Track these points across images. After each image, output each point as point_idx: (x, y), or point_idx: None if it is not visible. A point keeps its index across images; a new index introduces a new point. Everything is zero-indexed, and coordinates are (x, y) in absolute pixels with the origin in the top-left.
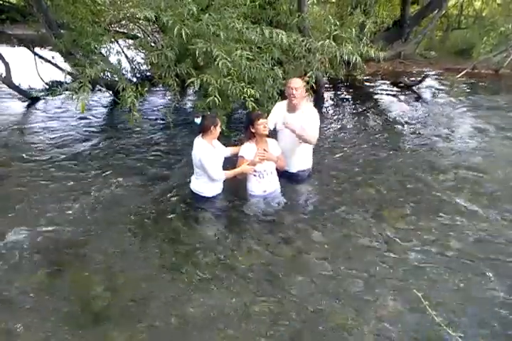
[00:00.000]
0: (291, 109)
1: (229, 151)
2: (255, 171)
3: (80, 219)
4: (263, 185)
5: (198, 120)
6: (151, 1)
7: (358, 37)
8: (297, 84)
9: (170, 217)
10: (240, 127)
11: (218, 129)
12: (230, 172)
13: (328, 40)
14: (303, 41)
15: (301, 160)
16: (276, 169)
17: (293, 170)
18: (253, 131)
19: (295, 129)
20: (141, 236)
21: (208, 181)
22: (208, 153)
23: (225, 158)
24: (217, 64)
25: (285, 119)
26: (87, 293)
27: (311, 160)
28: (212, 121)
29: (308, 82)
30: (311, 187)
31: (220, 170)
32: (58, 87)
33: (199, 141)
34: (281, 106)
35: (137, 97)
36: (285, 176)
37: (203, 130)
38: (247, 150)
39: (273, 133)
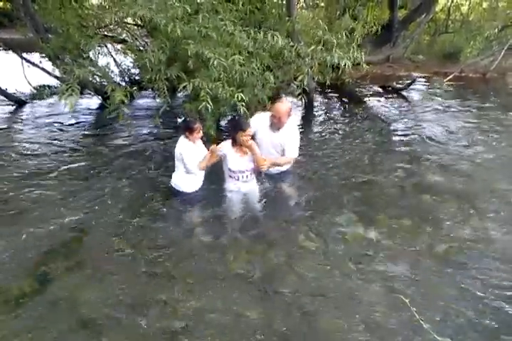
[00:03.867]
0: (275, 127)
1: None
2: (231, 172)
3: (62, 222)
4: (237, 186)
5: (180, 120)
6: (142, 3)
7: (346, 41)
8: (283, 113)
9: (150, 216)
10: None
11: (198, 131)
12: (203, 162)
13: (318, 45)
14: (293, 46)
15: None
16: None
17: (274, 171)
18: (236, 138)
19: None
20: (126, 236)
21: (186, 176)
22: (188, 149)
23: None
24: (212, 65)
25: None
26: (76, 297)
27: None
28: (191, 123)
29: (298, 86)
30: (298, 189)
31: (196, 163)
32: (45, 90)
33: (182, 139)
34: (263, 120)
35: (127, 96)
36: (268, 176)
37: (185, 130)
38: (223, 148)
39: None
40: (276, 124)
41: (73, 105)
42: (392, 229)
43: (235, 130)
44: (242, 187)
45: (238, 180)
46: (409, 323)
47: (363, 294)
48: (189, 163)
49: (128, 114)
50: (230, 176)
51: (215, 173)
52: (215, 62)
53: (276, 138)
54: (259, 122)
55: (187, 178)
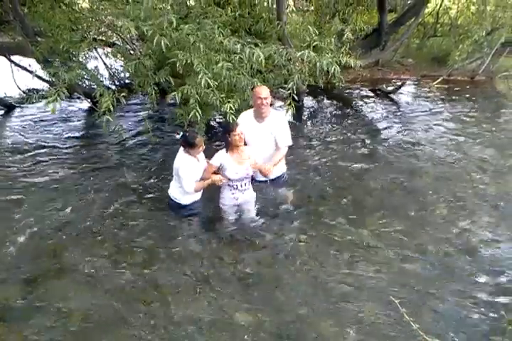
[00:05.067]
0: (260, 117)
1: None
2: (230, 181)
3: (57, 228)
4: (235, 196)
5: (178, 136)
6: (131, 10)
7: (336, 45)
8: (266, 94)
9: (144, 225)
10: (218, 134)
11: (200, 145)
12: (200, 184)
13: (307, 50)
14: (282, 51)
15: (278, 166)
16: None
17: (271, 176)
18: (229, 140)
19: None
20: (117, 243)
21: (183, 190)
22: (187, 166)
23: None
24: (200, 78)
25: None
26: (68, 302)
27: (284, 164)
28: (192, 137)
29: (288, 90)
30: (289, 193)
31: (193, 183)
32: (35, 94)
33: (182, 153)
34: (247, 115)
35: (113, 103)
36: (264, 184)
37: (185, 146)
38: (217, 157)
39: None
40: (261, 110)
41: (55, 109)
42: (382, 231)
43: (224, 133)
44: (240, 197)
45: (237, 188)
46: (399, 324)
47: (354, 296)
48: (186, 181)
49: (116, 119)
50: (229, 185)
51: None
52: (203, 71)
53: (264, 128)
54: (244, 118)
55: (184, 192)
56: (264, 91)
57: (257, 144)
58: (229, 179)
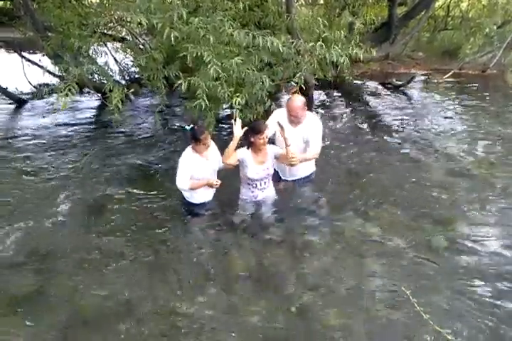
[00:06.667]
0: (294, 122)
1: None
2: (249, 179)
3: (67, 225)
4: (255, 194)
5: (188, 127)
6: (140, 3)
7: (346, 37)
8: (298, 108)
9: (157, 222)
10: (228, 127)
11: (205, 142)
12: (195, 184)
13: (317, 42)
14: (292, 43)
15: (307, 166)
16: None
17: (302, 175)
18: (252, 140)
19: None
20: (129, 240)
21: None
22: (187, 161)
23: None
24: (209, 69)
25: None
26: (79, 297)
27: (314, 165)
28: (199, 132)
29: (297, 83)
30: (301, 189)
31: (186, 180)
32: (45, 89)
33: (187, 150)
34: (282, 115)
35: (123, 99)
36: (291, 183)
37: (191, 139)
38: (240, 154)
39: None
40: (294, 120)
41: (66, 104)
42: (392, 225)
43: (251, 133)
44: (260, 195)
45: (256, 187)
46: (409, 314)
47: (363, 289)
48: (179, 175)
49: (126, 113)
50: (248, 184)
51: (228, 180)
52: (213, 62)
53: (298, 133)
54: (278, 118)
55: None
56: (295, 107)
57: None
58: (248, 178)
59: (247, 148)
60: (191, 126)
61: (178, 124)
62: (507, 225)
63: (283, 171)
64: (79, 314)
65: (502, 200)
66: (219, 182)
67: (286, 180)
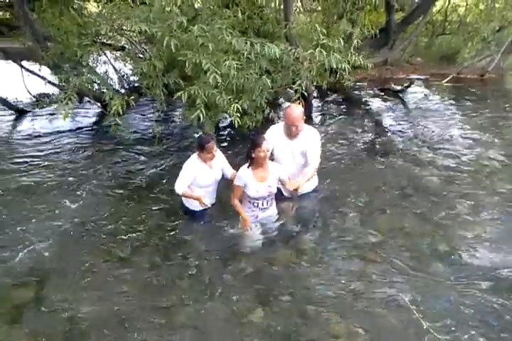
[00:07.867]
0: (291, 135)
1: (230, 174)
2: (249, 197)
3: (66, 233)
4: (255, 213)
5: (196, 135)
6: (140, 12)
7: (345, 44)
8: (296, 118)
9: (154, 227)
10: (228, 136)
11: (210, 151)
12: (188, 194)
13: (316, 49)
14: (291, 51)
15: (310, 181)
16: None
17: (306, 190)
18: (253, 156)
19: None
20: (128, 248)
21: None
22: (189, 168)
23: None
24: (208, 77)
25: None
26: (77, 306)
27: (316, 179)
28: (205, 140)
29: (296, 91)
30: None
31: (184, 186)
32: (45, 99)
33: (193, 156)
34: (278, 130)
35: (123, 106)
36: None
37: (197, 147)
38: (240, 176)
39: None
40: (293, 132)
41: (68, 114)
42: (393, 230)
43: (250, 148)
44: (260, 215)
45: (257, 206)
46: (409, 322)
47: (363, 295)
48: (178, 180)
49: (126, 121)
50: (249, 202)
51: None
52: (212, 69)
53: (295, 146)
54: (274, 134)
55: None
56: (294, 118)
57: (286, 162)
58: (249, 196)
59: (248, 167)
60: (199, 134)
61: (177, 131)
62: (507, 230)
63: (284, 189)
64: (79, 324)
65: (503, 205)
66: (208, 205)
67: (290, 197)
